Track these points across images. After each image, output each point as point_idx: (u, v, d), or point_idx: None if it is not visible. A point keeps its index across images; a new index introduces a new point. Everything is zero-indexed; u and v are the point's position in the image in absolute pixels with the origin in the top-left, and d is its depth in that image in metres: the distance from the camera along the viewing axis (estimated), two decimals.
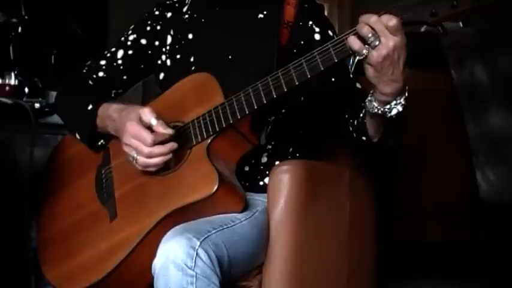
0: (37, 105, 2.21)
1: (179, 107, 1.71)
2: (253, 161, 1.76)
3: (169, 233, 1.50)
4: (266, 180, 1.74)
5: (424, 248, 2.94)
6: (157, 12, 1.92)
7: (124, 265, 1.59)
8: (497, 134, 2.85)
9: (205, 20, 1.85)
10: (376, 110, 1.50)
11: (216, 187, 1.53)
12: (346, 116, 1.70)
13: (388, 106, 1.49)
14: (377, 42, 1.41)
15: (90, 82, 1.88)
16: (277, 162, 1.75)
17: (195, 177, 1.58)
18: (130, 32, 1.92)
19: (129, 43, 1.90)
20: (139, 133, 1.61)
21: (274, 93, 1.55)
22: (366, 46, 1.42)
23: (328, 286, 1.78)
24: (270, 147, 1.79)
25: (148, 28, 1.90)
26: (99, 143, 1.78)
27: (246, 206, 1.64)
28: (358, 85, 1.78)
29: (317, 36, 1.79)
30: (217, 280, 1.46)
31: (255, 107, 1.58)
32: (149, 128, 1.61)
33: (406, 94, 1.49)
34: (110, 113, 1.70)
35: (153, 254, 1.48)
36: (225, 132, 1.62)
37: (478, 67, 2.88)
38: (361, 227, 1.88)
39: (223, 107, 1.61)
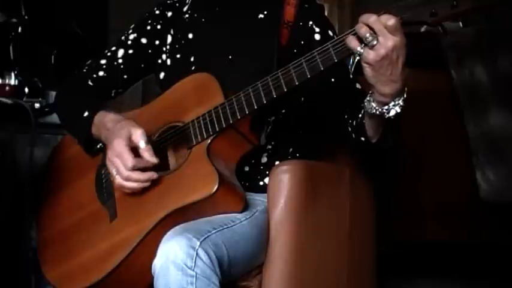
0: (37, 105, 2.21)
1: (179, 107, 1.71)
2: (253, 161, 1.76)
3: (169, 233, 1.50)
4: (266, 180, 1.74)
5: (424, 248, 2.94)
6: (157, 12, 1.92)
7: (124, 265, 1.59)
8: (497, 134, 2.85)
9: (206, 19, 1.85)
10: (374, 111, 1.50)
11: (216, 187, 1.53)
12: (346, 117, 1.70)
13: (386, 107, 1.49)
14: (375, 42, 1.41)
15: (90, 82, 1.88)
16: (277, 162, 1.75)
17: (195, 177, 1.58)
18: (130, 31, 1.92)
19: (129, 42, 1.90)
20: (122, 154, 1.61)
21: (274, 93, 1.55)
22: (362, 45, 1.42)
23: (328, 286, 1.78)
24: (270, 147, 1.79)
25: (148, 27, 1.90)
26: (98, 147, 1.78)
27: (246, 206, 1.64)
28: (357, 85, 1.78)
29: (317, 37, 1.79)
30: (217, 280, 1.46)
31: (255, 107, 1.58)
32: (136, 149, 1.61)
33: (405, 95, 1.49)
34: (105, 122, 1.71)
35: (153, 254, 1.48)
36: (225, 132, 1.62)
37: (478, 67, 2.88)
38: (361, 227, 1.88)
39: (223, 107, 1.61)
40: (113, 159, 1.63)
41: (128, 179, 1.62)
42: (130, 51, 1.90)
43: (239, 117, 1.60)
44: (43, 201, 1.86)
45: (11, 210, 2.09)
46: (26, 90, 2.29)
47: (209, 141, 1.62)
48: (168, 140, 1.71)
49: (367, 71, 1.44)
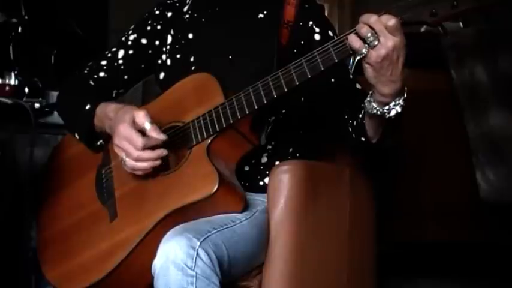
0: (37, 105, 2.21)
1: (179, 107, 1.71)
2: (253, 161, 1.76)
3: (169, 233, 1.50)
4: (266, 180, 1.74)
5: (424, 248, 2.94)
6: (157, 12, 1.92)
7: (124, 265, 1.59)
8: (497, 134, 2.85)
9: (206, 19, 1.85)
10: (375, 111, 1.50)
11: (216, 187, 1.53)
12: (346, 117, 1.70)
13: (387, 107, 1.49)
14: (376, 42, 1.41)
15: (91, 82, 1.88)
16: (277, 162, 1.75)
17: (195, 177, 1.58)
18: (130, 31, 1.92)
19: (129, 43, 1.90)
20: (130, 136, 1.60)
21: (274, 93, 1.55)
22: (365, 45, 1.42)
23: (328, 286, 1.78)
24: (270, 147, 1.79)
25: (148, 28, 1.90)
26: (98, 143, 1.78)
27: (246, 206, 1.64)
28: (358, 86, 1.78)
29: (317, 37, 1.79)
30: (217, 280, 1.46)
31: (255, 107, 1.58)
32: (142, 131, 1.61)
33: (405, 95, 1.49)
34: (107, 112, 1.70)
35: (153, 254, 1.48)
36: (225, 132, 1.62)
37: (478, 67, 2.88)
38: (361, 227, 1.88)
39: (223, 107, 1.61)
40: (121, 143, 1.61)
41: (138, 159, 1.60)
42: (131, 52, 1.90)
43: (239, 117, 1.60)
44: (43, 201, 1.86)
45: (11, 210, 2.09)
46: (26, 90, 2.29)
47: (209, 141, 1.62)
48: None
49: (368, 71, 1.45)
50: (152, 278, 1.48)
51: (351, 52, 1.46)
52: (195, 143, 1.63)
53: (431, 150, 2.90)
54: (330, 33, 1.81)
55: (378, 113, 1.50)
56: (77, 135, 1.79)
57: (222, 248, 1.51)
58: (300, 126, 1.87)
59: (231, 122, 1.60)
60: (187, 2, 1.91)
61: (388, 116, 1.50)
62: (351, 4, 4.71)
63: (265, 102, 1.57)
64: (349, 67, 1.90)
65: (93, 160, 1.80)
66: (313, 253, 1.73)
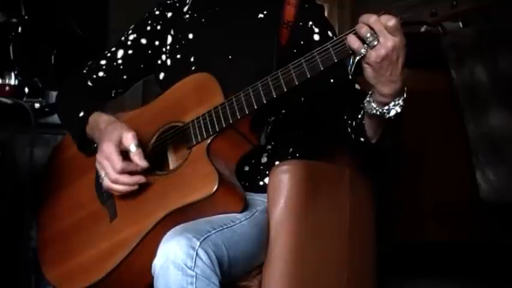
0: (37, 105, 2.21)
1: (179, 107, 1.71)
2: (253, 161, 1.76)
3: (169, 233, 1.50)
4: (266, 180, 1.74)
5: (424, 248, 2.94)
6: (157, 12, 1.92)
7: (124, 265, 1.59)
8: (497, 134, 2.85)
9: (206, 19, 1.86)
10: (374, 111, 1.50)
11: (216, 187, 1.53)
12: (345, 117, 1.70)
13: (386, 107, 1.49)
14: (375, 42, 1.41)
15: (90, 83, 1.89)
16: (277, 162, 1.75)
17: (195, 177, 1.58)
18: (130, 31, 1.92)
19: (129, 43, 1.90)
20: (111, 156, 1.61)
21: (274, 93, 1.55)
22: (365, 45, 1.42)
23: (328, 286, 1.78)
24: (270, 147, 1.79)
25: (148, 28, 1.90)
26: (95, 146, 1.78)
27: (246, 206, 1.64)
28: (357, 86, 1.78)
29: (316, 37, 1.79)
30: (217, 280, 1.46)
31: (255, 107, 1.58)
32: (126, 152, 1.61)
33: (405, 95, 1.49)
34: (99, 123, 1.71)
35: (153, 254, 1.48)
36: (225, 132, 1.62)
37: (478, 67, 2.88)
38: (361, 227, 1.88)
39: (223, 107, 1.61)
40: (102, 161, 1.64)
41: (115, 182, 1.62)
42: (130, 52, 1.90)
43: (239, 117, 1.60)
44: (43, 201, 1.86)
45: (11, 210, 2.09)
46: (26, 90, 2.29)
47: (209, 141, 1.62)
48: (168, 140, 1.71)
49: (368, 71, 1.45)
50: (152, 278, 1.48)
51: (350, 52, 1.46)
52: (194, 143, 1.63)
53: (431, 150, 2.90)
54: (330, 33, 1.81)
55: (378, 113, 1.50)
56: (72, 138, 1.80)
57: (222, 248, 1.51)
58: (300, 127, 1.87)
59: (231, 122, 1.60)
60: (187, 2, 1.91)
61: (387, 116, 1.50)
62: (351, 4, 4.71)
63: (264, 102, 1.57)
64: (349, 67, 1.90)
65: (93, 160, 1.79)
66: (313, 253, 1.73)
